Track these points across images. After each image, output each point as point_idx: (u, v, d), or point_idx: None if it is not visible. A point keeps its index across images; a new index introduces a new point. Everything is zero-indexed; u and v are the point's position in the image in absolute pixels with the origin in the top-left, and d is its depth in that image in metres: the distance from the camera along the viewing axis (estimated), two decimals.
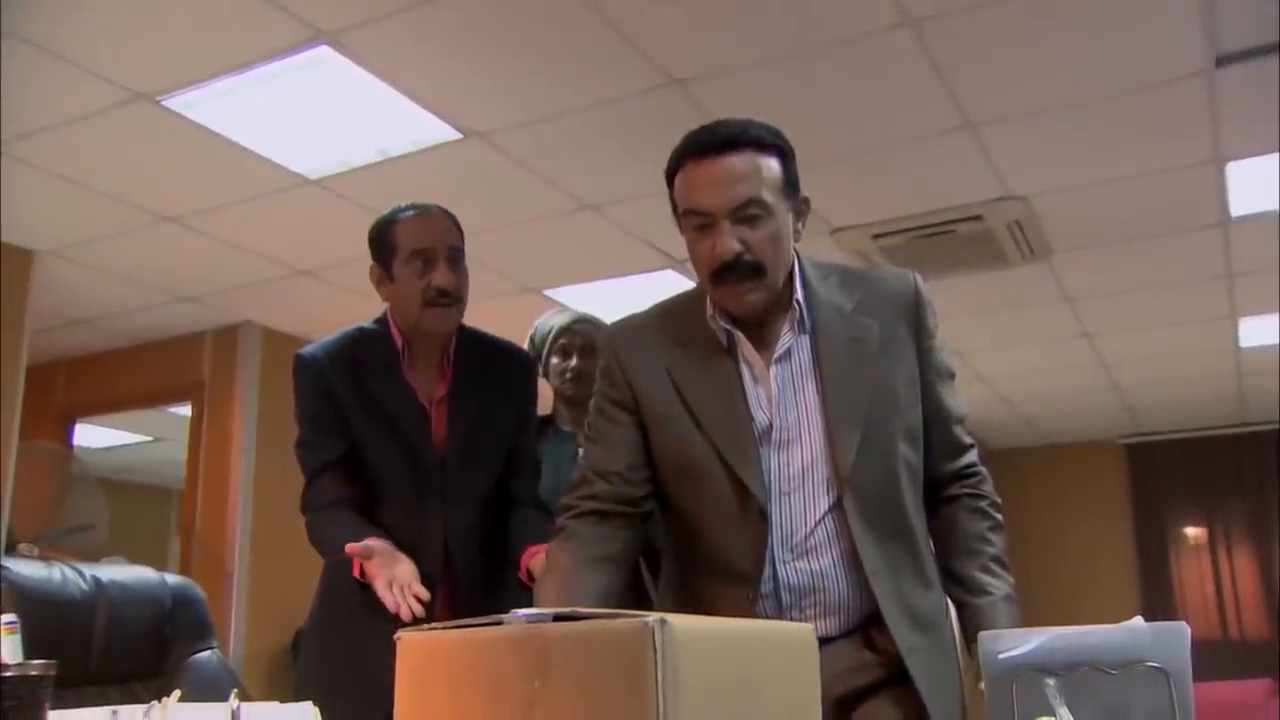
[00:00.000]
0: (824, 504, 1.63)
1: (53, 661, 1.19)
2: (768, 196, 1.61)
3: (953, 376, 1.78)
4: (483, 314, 5.60)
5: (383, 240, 2.15)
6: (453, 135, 3.75)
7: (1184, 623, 1.14)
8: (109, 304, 5.39)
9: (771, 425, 1.65)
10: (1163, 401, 8.02)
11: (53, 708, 1.18)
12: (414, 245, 2.10)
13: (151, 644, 2.07)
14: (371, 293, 2.23)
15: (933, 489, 1.75)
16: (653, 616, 1.06)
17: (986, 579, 1.66)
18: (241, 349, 5.68)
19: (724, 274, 1.61)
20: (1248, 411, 8.26)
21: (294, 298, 5.28)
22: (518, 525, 2.27)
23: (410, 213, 2.16)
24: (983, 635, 1.20)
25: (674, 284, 5.06)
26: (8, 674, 1.12)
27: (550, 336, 2.77)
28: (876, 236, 4.69)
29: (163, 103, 3.47)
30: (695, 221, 1.63)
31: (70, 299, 5.27)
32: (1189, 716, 1.10)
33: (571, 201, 4.29)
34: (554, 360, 2.76)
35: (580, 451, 2.26)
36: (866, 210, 4.49)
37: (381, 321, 2.22)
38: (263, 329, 5.71)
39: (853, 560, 1.62)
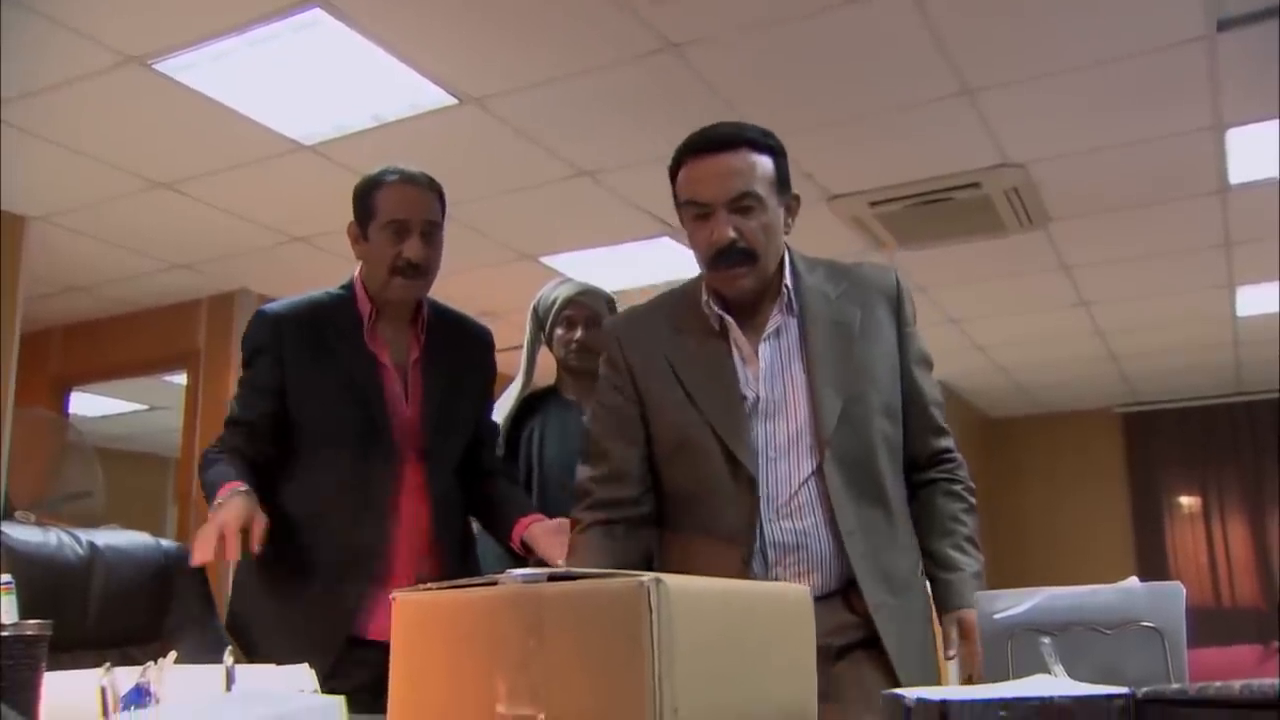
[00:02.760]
0: (807, 468, 1.79)
1: (49, 621, 1.18)
2: (761, 190, 1.78)
3: (930, 364, 1.95)
4: (480, 281, 5.61)
5: (364, 201, 2.19)
6: (448, 101, 3.72)
7: (1179, 583, 1.14)
8: (103, 271, 5.37)
9: (759, 398, 1.82)
10: (1159, 370, 8.03)
11: (48, 670, 1.18)
12: (392, 214, 2.14)
13: (148, 609, 2.06)
14: None
15: (911, 469, 1.92)
16: (648, 576, 1.06)
17: (958, 556, 1.84)
18: (237, 316, 5.66)
19: (719, 259, 1.79)
20: (1244, 381, 8.28)
21: (289, 264, 5.26)
22: (505, 496, 2.34)
23: (395, 178, 2.19)
24: (980, 595, 1.20)
25: (670, 250, 5.05)
26: (4, 634, 1.11)
27: (555, 308, 2.76)
28: (873, 204, 4.67)
29: (155, 66, 3.44)
30: (694, 211, 1.80)
31: (64, 265, 5.24)
32: (1183, 676, 1.10)
33: (568, 168, 4.27)
34: (559, 331, 2.75)
35: (585, 419, 2.37)
36: (863, 178, 4.47)
37: (348, 287, 2.25)
38: (258, 296, 5.70)
39: (832, 522, 1.77)
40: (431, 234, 2.17)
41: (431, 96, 3.69)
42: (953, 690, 0.81)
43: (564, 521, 2.21)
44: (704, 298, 1.87)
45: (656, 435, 1.89)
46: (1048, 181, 4.49)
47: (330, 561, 2.14)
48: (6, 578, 1.23)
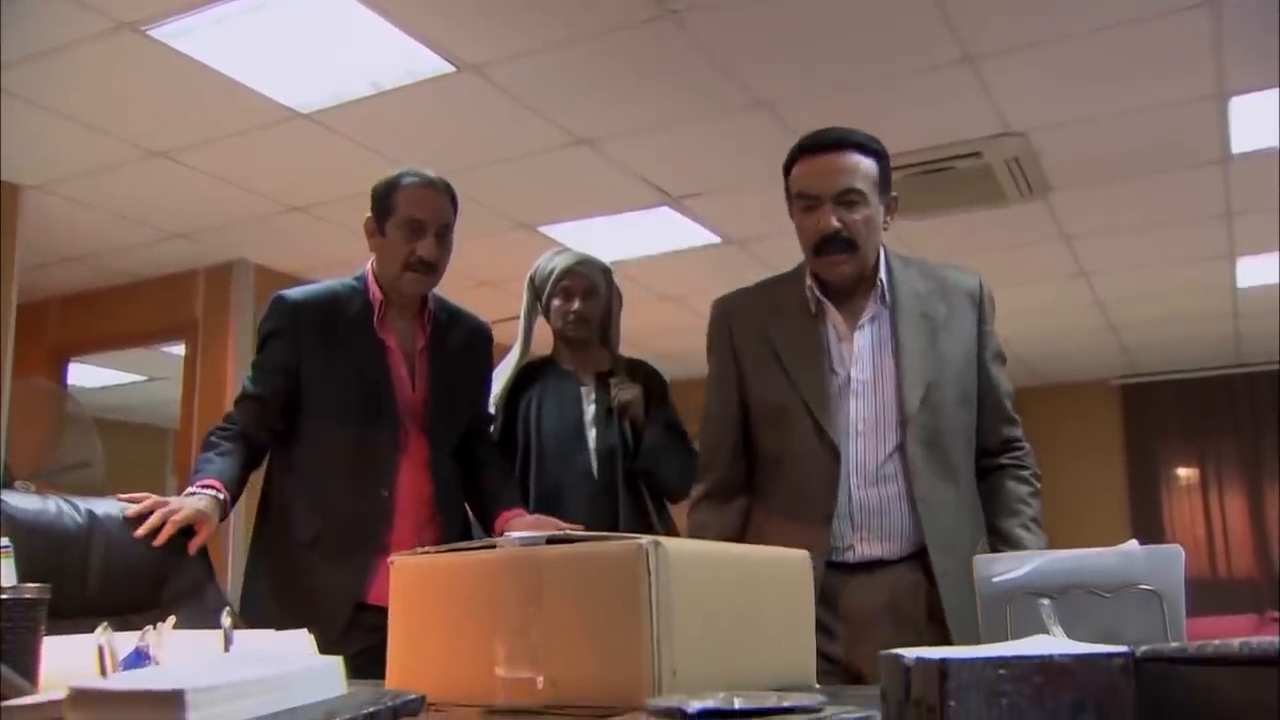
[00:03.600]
0: (891, 444, 1.99)
1: (47, 585, 1.18)
2: (864, 188, 1.99)
3: (1004, 360, 2.15)
4: (478, 250, 5.59)
5: (384, 199, 2.34)
6: (446, 68, 3.69)
7: (1178, 546, 1.14)
8: (99, 240, 5.35)
9: (850, 378, 2.03)
10: (1158, 342, 8.03)
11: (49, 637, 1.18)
12: (410, 213, 2.30)
13: (148, 577, 2.06)
14: (362, 229, 2.39)
15: (983, 455, 2.10)
16: (646, 538, 1.06)
17: (1024, 534, 2.03)
18: (235, 287, 5.65)
19: (823, 246, 2.00)
20: (1243, 352, 8.27)
21: (287, 235, 5.24)
22: (494, 489, 2.50)
23: (415, 180, 2.34)
24: (977, 559, 1.21)
25: (669, 220, 5.03)
26: (2, 596, 1.11)
27: (552, 278, 2.75)
28: None
29: (150, 32, 3.41)
30: (804, 203, 2.02)
31: (60, 235, 5.22)
32: (1181, 638, 1.10)
33: (566, 136, 4.24)
34: (556, 302, 2.74)
35: (581, 389, 2.71)
36: None
37: (360, 279, 2.41)
38: (255, 266, 5.68)
39: (910, 493, 1.97)
40: (444, 235, 2.34)
41: (429, 64, 3.67)
42: (952, 650, 0.81)
43: (543, 517, 2.39)
44: (807, 282, 2.08)
45: (753, 404, 2.11)
46: (1049, 150, 4.47)
47: (336, 530, 2.26)
48: (4, 541, 1.23)
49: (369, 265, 2.42)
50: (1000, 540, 2.02)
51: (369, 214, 2.36)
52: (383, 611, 2.18)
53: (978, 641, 1.82)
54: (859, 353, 2.04)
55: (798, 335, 2.06)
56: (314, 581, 2.23)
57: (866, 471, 1.98)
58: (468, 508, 2.52)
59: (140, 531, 1.93)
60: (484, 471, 2.52)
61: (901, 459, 1.97)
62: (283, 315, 2.34)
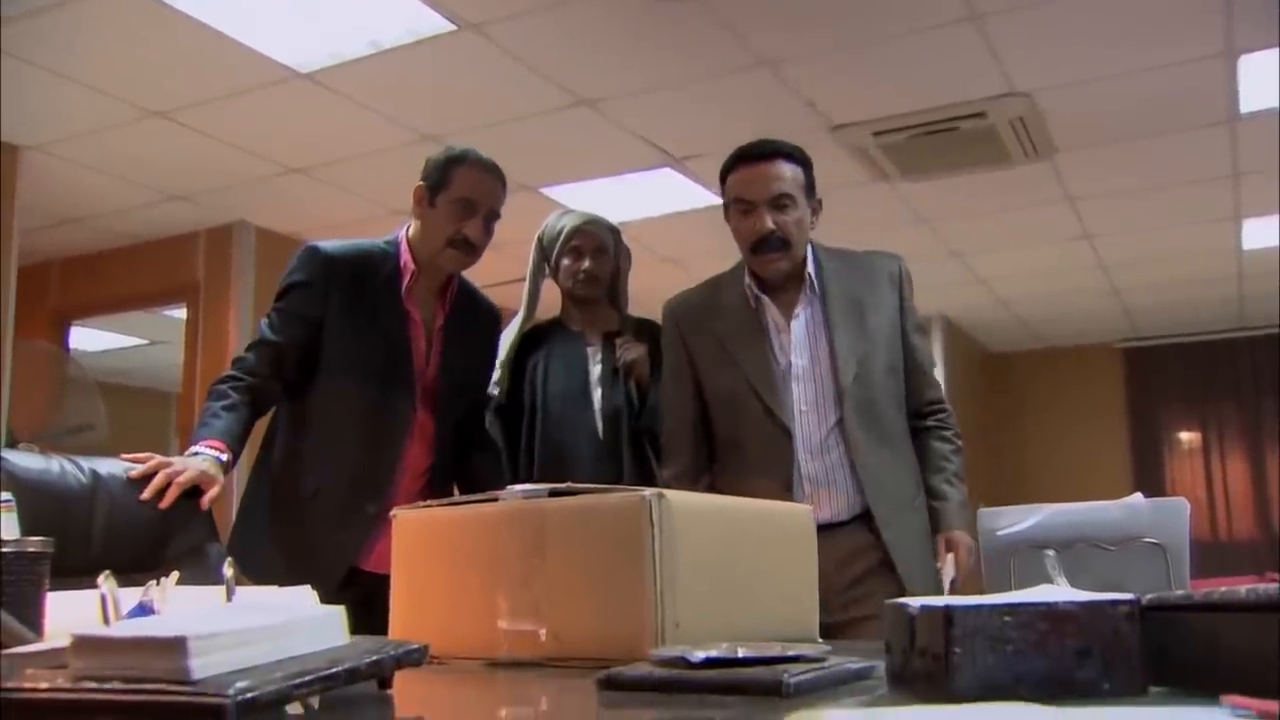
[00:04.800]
0: (832, 418, 2.23)
1: (51, 539, 1.18)
2: (794, 193, 2.24)
3: (924, 332, 2.44)
4: None
5: (442, 173, 2.35)
6: (447, 27, 3.66)
7: (1183, 499, 1.13)
8: (99, 202, 5.32)
9: (791, 364, 2.26)
10: (1162, 305, 8.00)
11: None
12: (465, 192, 2.32)
13: (151, 537, 2.06)
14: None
15: (913, 417, 2.35)
16: (649, 490, 1.06)
17: (947, 488, 2.28)
18: (236, 249, 5.62)
19: (760, 246, 2.23)
20: (1247, 316, 8.25)
21: (287, 196, 5.21)
22: (481, 475, 2.51)
23: (476, 160, 2.36)
24: (982, 512, 1.22)
25: (672, 182, 5.00)
26: (5, 550, 1.11)
27: (561, 238, 2.73)
28: (877, 134, 4.61)
29: None
30: (741, 207, 2.26)
31: (59, 197, 5.19)
32: (1185, 589, 1.10)
33: (568, 96, 4.20)
34: (565, 262, 2.73)
35: (588, 350, 2.75)
36: (867, 107, 4.40)
37: (393, 244, 2.40)
38: (256, 229, 5.65)
39: (851, 461, 2.20)
40: (491, 220, 2.36)
41: (430, 22, 3.63)
42: (958, 598, 0.80)
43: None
44: (745, 280, 2.32)
45: (707, 394, 2.33)
46: (1054, 111, 4.43)
47: (338, 489, 2.27)
48: (7, 496, 1.23)
49: (403, 232, 2.41)
50: (928, 494, 2.29)
51: (422, 181, 2.35)
52: (375, 578, 2.20)
53: (933, 589, 2.04)
54: (796, 341, 2.28)
55: (741, 328, 2.30)
56: (310, 537, 2.24)
57: (812, 445, 2.21)
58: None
59: (146, 495, 1.91)
60: (476, 454, 2.55)
61: (841, 431, 2.21)
62: (316, 267, 2.32)
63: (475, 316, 2.50)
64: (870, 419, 2.23)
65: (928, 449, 2.34)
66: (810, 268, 2.32)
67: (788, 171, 2.25)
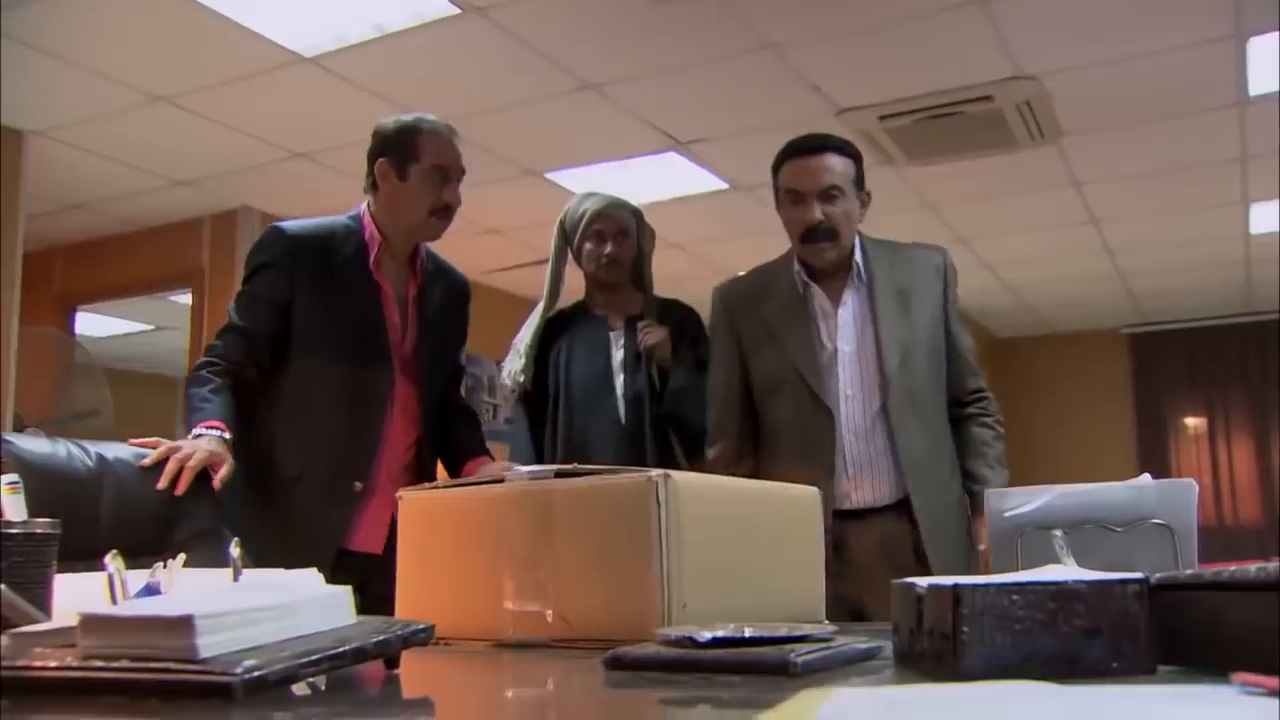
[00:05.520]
0: (876, 403, 2.30)
1: (58, 520, 1.18)
2: (843, 185, 2.31)
3: (966, 324, 2.49)
4: (484, 198, 5.55)
5: (404, 143, 2.32)
6: (451, 10, 3.64)
7: (1191, 480, 1.13)
8: (104, 188, 5.32)
9: (837, 350, 2.33)
10: (1167, 290, 7.98)
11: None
12: (438, 160, 2.32)
13: (158, 520, 2.06)
14: None
15: (953, 405, 2.41)
16: (656, 471, 1.06)
17: (988, 473, 2.34)
18: (240, 235, 5.62)
19: (810, 235, 2.31)
20: (1253, 300, 8.22)
21: (291, 182, 5.21)
22: (461, 434, 2.51)
23: (438, 127, 2.34)
24: (989, 493, 1.21)
25: (677, 167, 4.99)
26: (12, 530, 1.11)
27: (583, 222, 2.72)
28: (883, 118, 4.60)
29: None
30: (792, 198, 2.34)
31: (64, 182, 5.19)
32: (1192, 570, 1.10)
33: (573, 80, 4.19)
34: (588, 246, 2.72)
35: (610, 335, 2.75)
36: (873, 90, 4.38)
37: (355, 219, 2.38)
38: (261, 214, 5.65)
39: (893, 447, 2.27)
40: (459, 182, 2.37)
41: (433, 6, 3.62)
42: (966, 577, 0.80)
43: (513, 465, 2.32)
44: (794, 268, 2.39)
45: (754, 378, 2.41)
46: (1061, 94, 4.41)
47: (321, 469, 2.24)
48: (14, 477, 1.23)
49: (364, 205, 2.40)
50: (969, 478, 2.35)
51: (382, 157, 2.33)
52: (365, 558, 2.19)
53: (961, 568, 2.11)
54: (843, 327, 2.35)
55: (789, 315, 2.37)
56: (297, 520, 2.21)
57: (856, 429, 2.29)
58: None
59: (161, 483, 1.90)
60: (454, 417, 2.52)
61: (884, 418, 2.28)
62: (280, 247, 2.31)
63: (446, 287, 2.48)
64: (913, 406, 2.30)
65: (969, 435, 2.40)
66: (858, 257, 2.38)
67: (838, 164, 2.32)
